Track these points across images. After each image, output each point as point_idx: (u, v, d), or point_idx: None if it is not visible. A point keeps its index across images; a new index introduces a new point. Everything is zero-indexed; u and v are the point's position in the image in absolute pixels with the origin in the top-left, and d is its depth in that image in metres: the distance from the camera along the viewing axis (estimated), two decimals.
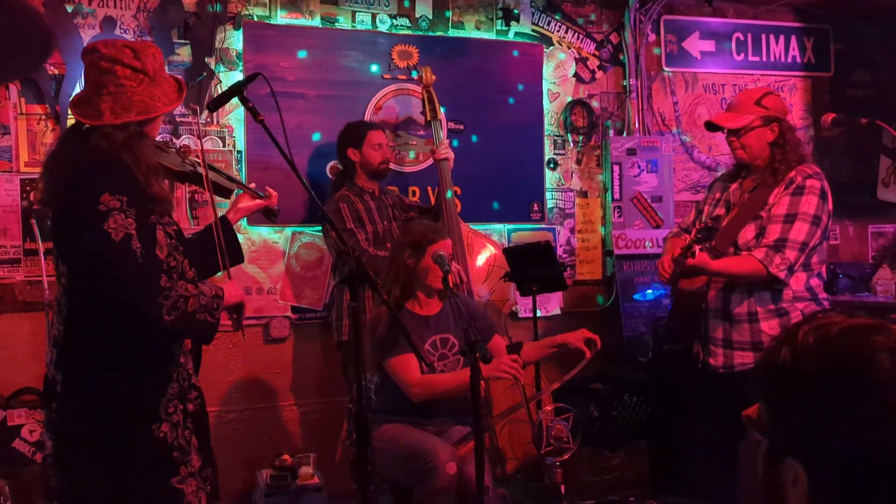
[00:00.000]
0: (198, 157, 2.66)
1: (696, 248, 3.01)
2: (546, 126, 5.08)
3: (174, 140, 4.17)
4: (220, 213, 2.72)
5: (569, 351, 3.20)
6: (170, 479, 2.35)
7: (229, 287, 2.52)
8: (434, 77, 4.37)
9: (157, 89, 2.38)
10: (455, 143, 4.71)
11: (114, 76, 2.32)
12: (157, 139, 2.70)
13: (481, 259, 4.38)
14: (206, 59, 4.28)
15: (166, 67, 4.09)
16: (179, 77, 2.62)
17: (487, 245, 4.44)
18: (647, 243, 5.09)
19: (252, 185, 3.00)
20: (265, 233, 4.44)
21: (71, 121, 2.52)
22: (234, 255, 2.78)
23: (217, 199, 2.74)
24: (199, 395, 2.48)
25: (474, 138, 4.85)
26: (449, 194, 4.25)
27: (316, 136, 4.51)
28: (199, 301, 2.33)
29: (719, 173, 5.09)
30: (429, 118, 4.33)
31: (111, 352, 2.33)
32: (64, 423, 2.39)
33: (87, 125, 2.34)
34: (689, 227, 3.57)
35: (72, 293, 2.37)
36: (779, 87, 5.61)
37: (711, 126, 3.43)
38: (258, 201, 2.88)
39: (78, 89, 3.93)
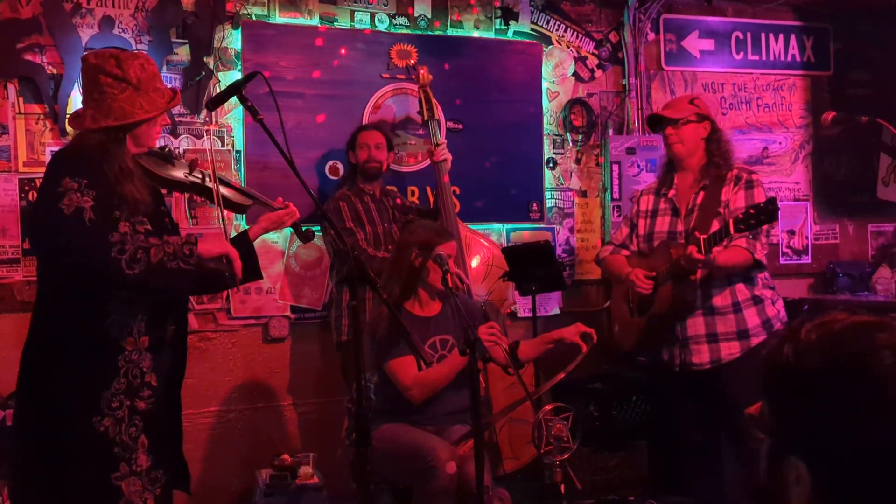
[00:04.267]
0: (209, 169, 2.64)
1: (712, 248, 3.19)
2: (545, 125, 5.07)
3: (190, 157, 4.15)
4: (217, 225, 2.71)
5: (566, 346, 3.20)
6: (108, 475, 2.33)
7: (208, 240, 2.45)
8: (430, 77, 4.36)
9: (141, 98, 2.42)
10: (448, 142, 4.70)
11: (97, 84, 2.41)
12: (178, 152, 2.75)
13: (479, 259, 4.37)
14: (204, 59, 4.27)
15: (164, 67, 4.15)
16: (176, 88, 2.63)
17: (486, 245, 4.43)
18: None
19: (277, 201, 2.79)
20: None
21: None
22: (252, 271, 2.70)
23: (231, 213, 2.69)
24: (154, 395, 2.43)
25: (473, 138, 4.83)
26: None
27: (315, 136, 4.49)
28: (165, 249, 2.30)
29: None
30: (425, 118, 4.32)
31: (58, 342, 2.36)
32: (15, 415, 2.44)
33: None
34: (624, 244, 3.73)
35: (39, 286, 2.45)
36: (778, 86, 5.61)
37: (653, 120, 3.63)
38: (279, 213, 2.74)
39: (76, 90, 3.94)
